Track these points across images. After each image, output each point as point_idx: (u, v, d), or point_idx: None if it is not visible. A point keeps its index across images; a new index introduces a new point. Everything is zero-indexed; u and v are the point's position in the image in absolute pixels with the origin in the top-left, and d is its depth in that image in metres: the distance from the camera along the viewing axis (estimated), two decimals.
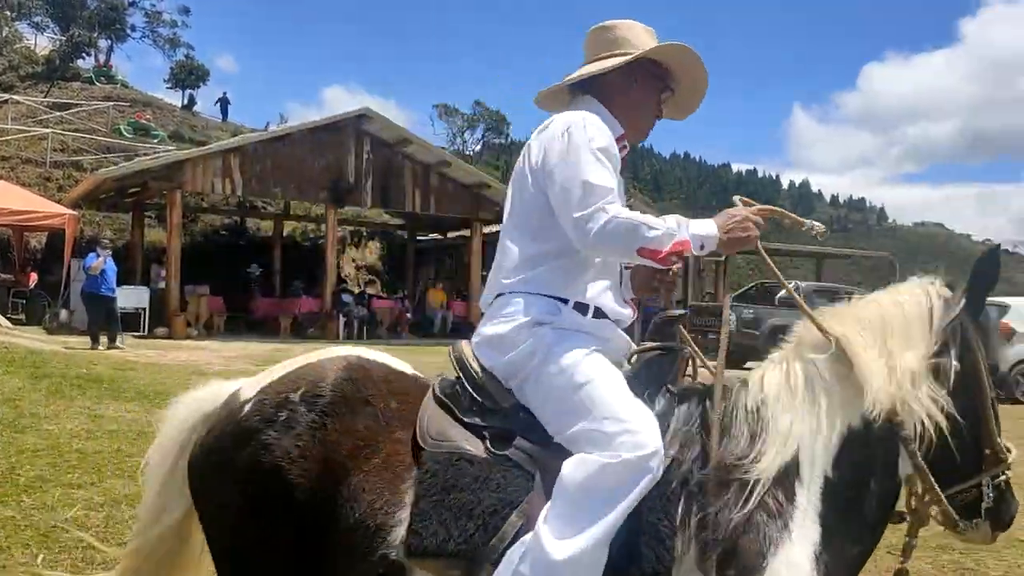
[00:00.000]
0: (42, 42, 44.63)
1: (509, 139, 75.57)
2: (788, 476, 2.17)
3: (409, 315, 25.47)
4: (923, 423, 2.21)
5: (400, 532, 2.20)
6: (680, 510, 2.15)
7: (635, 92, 2.54)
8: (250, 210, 29.24)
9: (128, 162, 23.31)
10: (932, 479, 2.24)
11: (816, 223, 2.59)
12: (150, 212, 26.28)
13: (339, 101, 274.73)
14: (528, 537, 2.12)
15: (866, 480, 2.23)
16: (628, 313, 2.48)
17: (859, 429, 2.23)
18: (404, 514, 2.21)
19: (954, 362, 2.28)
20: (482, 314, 2.56)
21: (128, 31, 49.70)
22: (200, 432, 2.56)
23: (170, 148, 28.93)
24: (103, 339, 15.86)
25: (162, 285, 21.66)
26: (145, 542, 2.73)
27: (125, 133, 32.26)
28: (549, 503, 2.14)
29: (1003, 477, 2.31)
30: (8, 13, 41.87)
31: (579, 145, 2.30)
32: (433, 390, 2.40)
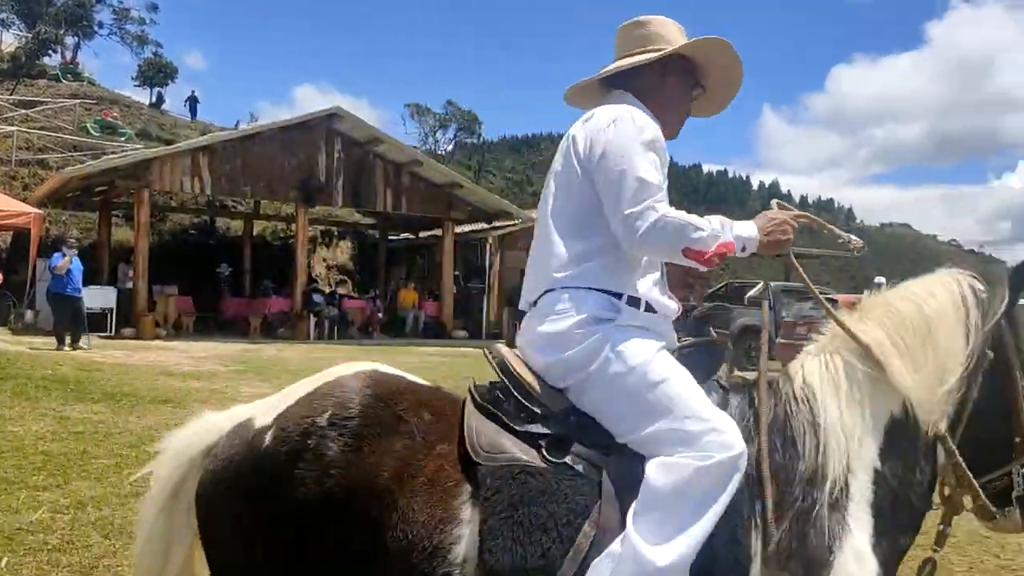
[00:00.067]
0: (7, 39, 44.03)
1: (481, 139, 75.62)
2: (844, 469, 2.19)
3: (381, 315, 25.39)
4: (956, 415, 2.26)
5: (460, 550, 2.10)
6: (748, 507, 2.14)
7: (669, 88, 2.51)
8: (220, 209, 29.03)
9: (95, 160, 23.01)
10: (968, 471, 2.27)
11: (854, 237, 2.58)
12: (117, 211, 26.01)
13: (310, 100, 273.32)
14: (615, 547, 2.06)
15: (911, 469, 2.26)
16: (675, 307, 2.43)
17: (900, 419, 2.26)
18: (461, 531, 2.12)
19: (988, 352, 2.31)
20: (519, 312, 2.49)
21: (95, 28, 49.21)
22: (205, 467, 2.35)
23: (138, 146, 28.62)
24: (68, 339, 15.66)
25: (129, 285, 21.45)
26: None
27: (92, 131, 31.85)
28: (634, 510, 2.08)
29: None
30: None
31: (629, 137, 2.26)
32: (473, 398, 2.30)
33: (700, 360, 2.32)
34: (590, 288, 2.30)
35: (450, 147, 72.39)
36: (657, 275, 2.42)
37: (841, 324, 2.35)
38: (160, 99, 45.52)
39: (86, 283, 17.31)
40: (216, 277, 25.41)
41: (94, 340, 16.76)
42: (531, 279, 2.45)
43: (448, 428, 2.26)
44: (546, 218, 2.42)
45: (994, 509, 2.31)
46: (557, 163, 2.44)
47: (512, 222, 26.67)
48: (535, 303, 2.40)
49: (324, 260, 31.40)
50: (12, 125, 29.41)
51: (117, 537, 4.88)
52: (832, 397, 2.27)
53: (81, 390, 10.09)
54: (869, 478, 2.20)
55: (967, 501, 2.35)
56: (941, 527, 2.39)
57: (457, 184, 25.73)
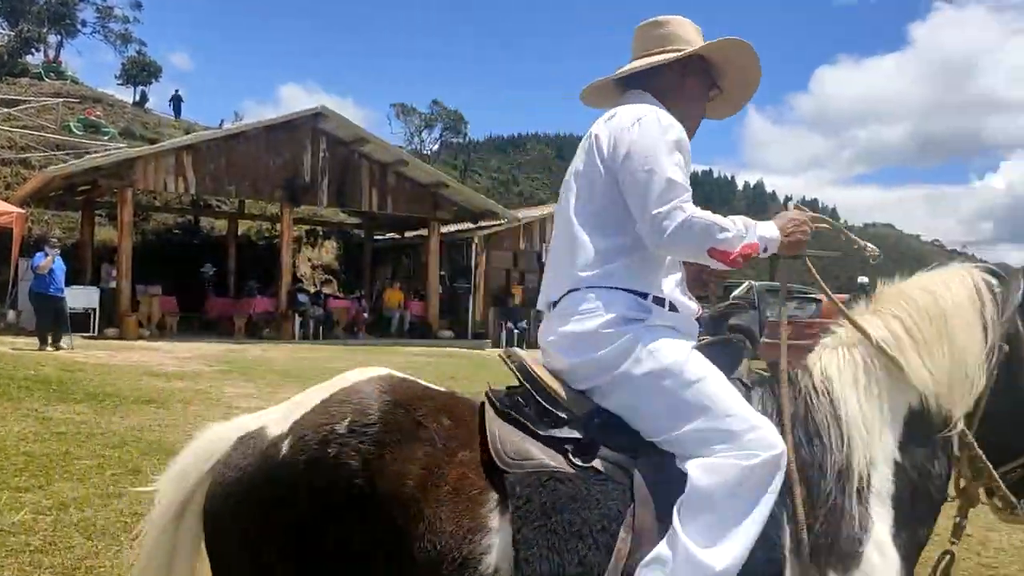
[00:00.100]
0: None
1: (467, 138, 75.64)
2: (868, 462, 2.20)
3: (366, 315, 25.34)
4: (972, 408, 2.28)
5: (491, 560, 2.07)
6: (779, 505, 2.12)
7: (688, 88, 2.51)
8: (204, 209, 28.87)
9: (78, 159, 22.84)
10: (988, 463, 2.29)
11: (871, 245, 2.59)
12: (100, 211, 25.84)
13: (295, 99, 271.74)
14: (662, 551, 2.04)
15: (930, 461, 2.27)
16: (695, 307, 2.43)
17: (918, 412, 2.28)
18: (491, 540, 2.08)
19: (1004, 345, 2.32)
20: (539, 312, 2.47)
21: (78, 26, 48.97)
22: (213, 479, 2.28)
23: (121, 145, 28.43)
24: (51, 339, 15.57)
25: (113, 285, 21.29)
26: None
27: (75, 130, 31.61)
28: (680, 512, 2.06)
29: None
30: None
31: (654, 137, 2.25)
32: (493, 404, 2.27)
33: (720, 358, 2.31)
34: (619, 288, 2.29)
35: (436, 147, 72.39)
36: (679, 275, 2.42)
37: (855, 324, 2.36)
38: (144, 98, 45.29)
39: (69, 283, 17.19)
40: (200, 277, 25.28)
41: (77, 340, 16.65)
42: (552, 278, 2.43)
43: (468, 434, 2.22)
44: (569, 217, 2.39)
45: (1015, 500, 2.33)
46: (579, 162, 2.42)
47: (498, 222, 26.69)
48: (556, 303, 2.38)
49: (309, 260, 31.30)
50: None
51: (99, 538, 4.85)
52: (851, 389, 2.28)
53: (64, 390, 10.03)
54: (890, 471, 2.22)
55: (982, 494, 2.37)
56: (957, 519, 2.40)
57: (443, 184, 25.70)
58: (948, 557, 2.36)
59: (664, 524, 2.08)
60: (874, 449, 2.21)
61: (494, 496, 2.12)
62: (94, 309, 20.40)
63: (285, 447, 2.17)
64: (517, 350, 2.39)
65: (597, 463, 2.16)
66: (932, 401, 2.25)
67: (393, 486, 2.10)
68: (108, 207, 25.02)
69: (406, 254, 30.46)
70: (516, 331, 25.26)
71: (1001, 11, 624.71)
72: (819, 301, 22.42)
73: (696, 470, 2.08)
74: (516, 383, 2.36)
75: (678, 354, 2.21)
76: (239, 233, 28.23)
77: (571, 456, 2.17)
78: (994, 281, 2.39)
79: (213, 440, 2.39)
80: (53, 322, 15.87)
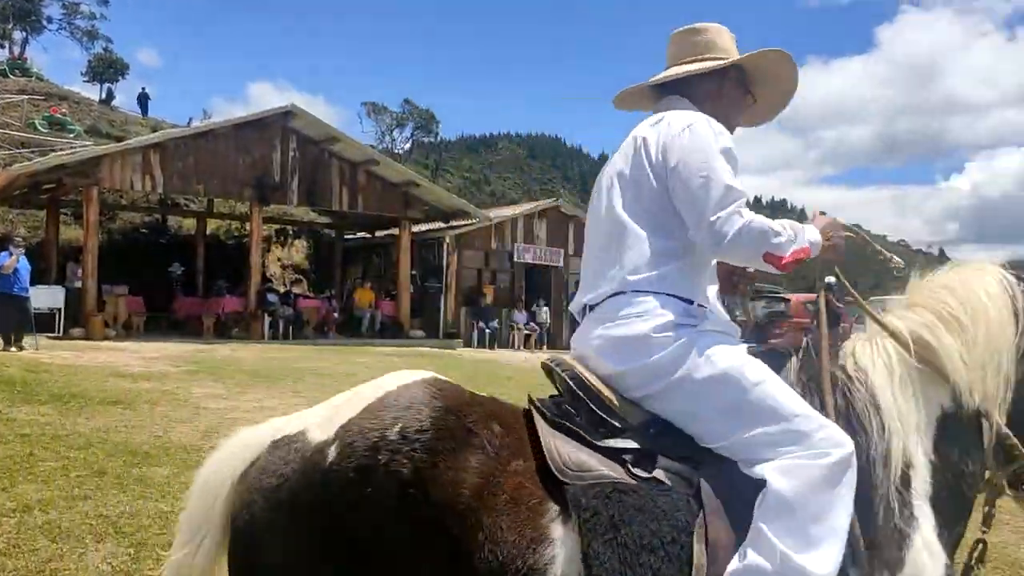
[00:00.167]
0: None
1: (439, 138, 75.60)
2: (906, 455, 2.21)
3: (336, 315, 25.21)
4: (1005, 400, 2.30)
5: (556, 571, 2.01)
6: None
7: (725, 97, 2.52)
8: (172, 208, 28.60)
9: (43, 157, 22.54)
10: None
11: (895, 256, 2.60)
12: (66, 209, 25.52)
13: (265, 97, 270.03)
14: (755, 560, 1.99)
15: (964, 459, 2.29)
16: (727, 318, 2.42)
17: (951, 411, 2.29)
18: (554, 552, 2.03)
19: None
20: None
21: (44, 23, 48.32)
22: (248, 485, 2.17)
23: (87, 143, 28.04)
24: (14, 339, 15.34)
25: (78, 284, 21.05)
26: None
27: (40, 127, 31.17)
28: (764, 519, 2.02)
29: None
30: None
31: (708, 143, 2.24)
32: (542, 413, 2.22)
33: (772, 364, 2.28)
34: (668, 294, 2.26)
35: (407, 146, 72.22)
36: (716, 287, 2.44)
37: (882, 324, 2.37)
38: (110, 95, 44.70)
39: (33, 282, 16.92)
40: (168, 276, 25.06)
41: (42, 341, 16.40)
42: (591, 280, 2.39)
43: (518, 442, 2.16)
44: (617, 217, 2.35)
45: None
46: (621, 164, 2.39)
47: (469, 221, 26.67)
48: (596, 306, 2.34)
49: (279, 259, 31.08)
50: None
51: (64, 541, 4.79)
52: (885, 380, 2.29)
53: (28, 391, 9.89)
54: (928, 471, 2.23)
55: (1006, 484, 2.39)
56: (986, 508, 2.42)
57: (414, 183, 25.65)
58: (981, 546, 2.37)
59: (739, 533, 2.04)
60: (912, 447, 2.22)
61: (553, 507, 2.07)
62: (59, 309, 20.13)
63: (332, 453, 2.08)
64: (566, 358, 2.35)
65: (659, 473, 2.12)
66: (966, 395, 2.27)
67: (448, 495, 2.04)
68: (74, 206, 24.72)
69: (377, 253, 30.35)
70: (488, 331, 25.25)
71: (967, 14, 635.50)
72: (787, 300, 22.67)
73: (774, 474, 2.04)
74: (556, 391, 2.33)
75: (736, 358, 2.19)
76: (208, 232, 27.97)
77: (631, 467, 2.12)
78: (1018, 276, 2.44)
79: (245, 443, 2.29)
80: (17, 322, 15.63)
